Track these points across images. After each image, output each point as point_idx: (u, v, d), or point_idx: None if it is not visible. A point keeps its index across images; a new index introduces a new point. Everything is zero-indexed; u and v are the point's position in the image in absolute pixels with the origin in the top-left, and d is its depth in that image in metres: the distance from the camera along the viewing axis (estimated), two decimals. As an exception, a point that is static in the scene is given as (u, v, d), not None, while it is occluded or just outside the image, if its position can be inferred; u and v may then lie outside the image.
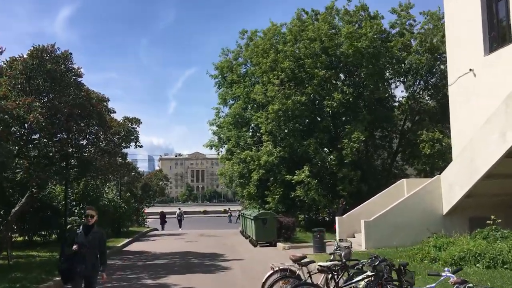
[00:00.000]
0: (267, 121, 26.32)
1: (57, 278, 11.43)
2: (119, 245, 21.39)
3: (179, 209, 47.20)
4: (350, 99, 25.01)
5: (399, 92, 74.24)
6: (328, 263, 7.73)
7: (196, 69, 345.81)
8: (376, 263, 6.37)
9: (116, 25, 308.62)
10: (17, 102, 12.20)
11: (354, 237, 19.62)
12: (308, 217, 27.00)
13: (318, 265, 7.43)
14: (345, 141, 24.39)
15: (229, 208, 62.81)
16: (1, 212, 18.54)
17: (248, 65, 30.85)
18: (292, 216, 24.92)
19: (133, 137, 16.75)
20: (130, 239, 24.87)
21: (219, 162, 33.55)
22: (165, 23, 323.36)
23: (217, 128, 32.78)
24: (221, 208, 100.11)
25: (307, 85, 25.67)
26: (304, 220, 26.24)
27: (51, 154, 13.83)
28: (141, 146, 17.50)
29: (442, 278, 5.52)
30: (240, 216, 28.68)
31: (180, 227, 41.81)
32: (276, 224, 21.11)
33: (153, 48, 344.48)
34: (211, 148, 32.83)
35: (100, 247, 7.59)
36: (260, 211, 22.12)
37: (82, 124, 14.28)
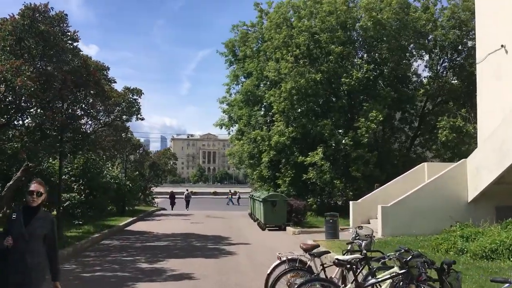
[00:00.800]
0: (280, 99, 24.98)
1: None
2: (121, 224, 20.44)
3: (187, 190, 46.33)
4: (371, 76, 23.47)
5: (421, 71, 71.52)
6: (348, 257, 6.45)
7: (209, 50, 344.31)
8: (407, 258, 5.11)
9: (131, 4, 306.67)
10: (3, 65, 11.04)
11: (369, 223, 18.35)
12: (320, 201, 25.77)
13: (336, 259, 6.17)
14: (361, 120, 22.97)
15: (229, 190, 61.85)
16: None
17: (260, 42, 29.34)
18: (304, 200, 23.79)
19: (134, 109, 15.54)
20: (134, 218, 23.96)
21: (229, 142, 32.34)
22: (180, 3, 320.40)
23: (227, 106, 31.52)
24: (232, 190, 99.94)
25: (322, 62, 24.18)
26: (316, 204, 25.01)
27: (43, 125, 12.71)
28: (142, 119, 16.33)
29: (506, 286, 4.23)
30: (250, 199, 27.57)
31: (187, 207, 41.02)
32: (286, 207, 19.94)
33: (167, 28, 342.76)
34: (221, 128, 31.63)
35: (50, 242, 4.64)
36: (270, 193, 20.94)
37: (77, 93, 13.07)
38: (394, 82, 25.98)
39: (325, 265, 6.64)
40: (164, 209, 38.81)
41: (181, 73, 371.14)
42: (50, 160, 19.60)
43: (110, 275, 9.71)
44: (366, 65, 23.19)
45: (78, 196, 17.77)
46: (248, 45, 29.23)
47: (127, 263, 11.11)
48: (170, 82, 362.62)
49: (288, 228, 19.46)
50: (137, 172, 35.00)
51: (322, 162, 23.17)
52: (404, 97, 25.79)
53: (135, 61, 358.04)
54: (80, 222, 17.86)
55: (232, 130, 31.88)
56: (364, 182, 23.30)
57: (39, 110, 12.19)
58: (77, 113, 13.41)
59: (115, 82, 16.40)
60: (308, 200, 24.23)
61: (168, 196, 51.16)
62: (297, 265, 6.81)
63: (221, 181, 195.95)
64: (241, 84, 30.56)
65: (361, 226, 7.57)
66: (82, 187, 17.97)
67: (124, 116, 15.85)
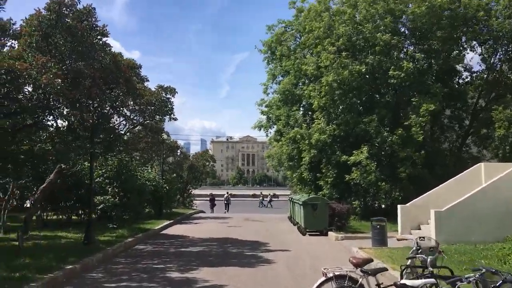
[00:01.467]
0: (320, 95, 23.75)
1: (68, 267, 9.82)
2: (157, 227, 19.84)
3: (227, 192, 45.70)
4: (421, 68, 21.85)
5: (474, 64, 67.35)
6: (419, 282, 5.08)
7: (247, 53, 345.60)
8: (497, 284, 3.90)
9: (170, 11, 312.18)
10: (28, 62, 10.52)
11: (420, 229, 16.89)
12: (364, 204, 24.31)
13: (401, 285, 4.95)
14: (412, 117, 21.39)
15: (260, 192, 60.66)
16: (34, 189, 17.49)
17: (298, 40, 28.20)
18: (346, 202, 22.47)
19: (167, 109, 14.82)
20: (171, 221, 23.39)
21: (268, 144, 31.36)
22: (217, 8, 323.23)
23: (265, 108, 30.55)
24: (270, 192, 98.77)
25: (367, 55, 22.75)
26: (359, 207, 23.57)
27: (72, 125, 12.16)
28: (175, 119, 15.60)
29: None
30: (289, 202, 26.47)
31: (227, 210, 40.38)
32: (328, 211, 18.70)
33: (205, 33, 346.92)
34: (260, 129, 30.67)
35: None
36: (310, 196, 19.77)
37: (107, 91, 12.44)
38: (444, 76, 24.21)
39: (382, 286, 5.47)
40: (203, 211, 38.29)
41: (219, 76, 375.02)
42: (85, 163, 19.35)
43: (135, 286, 8.90)
44: (418, 54, 21.44)
45: (112, 199, 17.29)
46: (284, 44, 28.13)
47: (157, 272, 10.29)
48: (209, 86, 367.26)
49: (330, 233, 18.23)
50: (174, 174, 34.63)
51: (367, 162, 21.74)
52: (455, 93, 23.97)
53: (175, 66, 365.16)
54: (115, 226, 17.35)
55: (270, 132, 30.92)
56: (412, 184, 21.70)
57: (67, 110, 11.61)
58: (107, 112, 12.76)
59: (148, 80, 15.84)
60: (353, 203, 22.85)
61: (208, 199, 50.96)
62: (346, 283, 5.69)
63: (260, 183, 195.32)
64: (278, 83, 29.50)
65: (423, 237, 6.30)
66: (116, 190, 17.49)
67: (157, 116, 15.14)
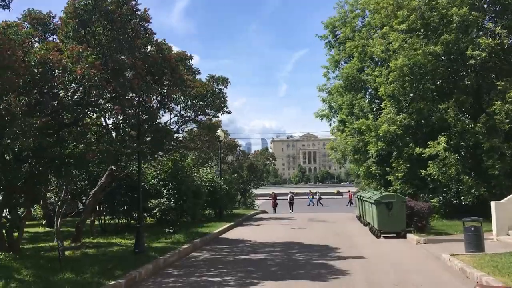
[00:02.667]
0: (388, 81, 21.38)
1: (111, 283, 8.56)
2: (216, 231, 18.54)
3: (290, 192, 43.97)
4: (505, 45, 18.91)
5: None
6: None
7: (305, 51, 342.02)
8: None
9: (227, 12, 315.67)
10: (62, 52, 9.45)
11: (520, 229, 14.23)
12: (444, 201, 21.62)
13: None
14: (497, 103, 18.53)
15: (310, 191, 57.30)
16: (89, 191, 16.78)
17: (366, 17, 25.85)
18: (421, 199, 20.02)
19: (219, 101, 13.35)
20: (231, 223, 22.06)
21: (330, 134, 29.22)
22: (273, 6, 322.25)
23: (327, 94, 28.46)
24: (334, 190, 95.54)
25: (441, 33, 20.08)
26: (439, 205, 20.94)
27: (117, 122, 11.03)
28: (229, 112, 14.13)
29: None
30: (357, 199, 24.28)
31: (291, 209, 38.73)
32: (405, 210, 16.43)
33: (262, 32, 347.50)
34: (321, 119, 28.59)
35: None
36: (383, 194, 17.53)
37: (152, 82, 11.16)
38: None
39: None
40: (265, 211, 36.88)
41: (278, 75, 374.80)
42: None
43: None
44: (499, 29, 18.47)
45: (168, 202, 16.18)
46: (349, 25, 25.89)
47: (211, 287, 8.82)
48: (268, 85, 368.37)
49: (408, 235, 15.95)
50: (235, 174, 33.43)
51: (446, 154, 19.11)
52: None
53: (235, 67, 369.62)
54: (171, 230, 16.23)
55: (333, 121, 28.77)
56: (502, 178, 18.80)
57: (107, 105, 10.46)
58: (149, 104, 11.48)
59: (199, 73, 14.51)
60: (432, 200, 20.28)
61: (269, 198, 49.63)
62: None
63: (323, 181, 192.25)
64: (340, 70, 27.33)
65: None
66: (171, 192, 16.37)
67: (208, 110, 13.73)
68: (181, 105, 13.62)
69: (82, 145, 10.80)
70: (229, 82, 14.14)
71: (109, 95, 10.49)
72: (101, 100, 10.32)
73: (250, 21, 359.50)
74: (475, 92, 20.82)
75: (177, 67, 11.78)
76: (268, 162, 40.57)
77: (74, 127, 10.53)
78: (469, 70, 20.55)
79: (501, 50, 19.51)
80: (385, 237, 16.47)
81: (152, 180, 17.07)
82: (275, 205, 38.65)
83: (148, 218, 19.84)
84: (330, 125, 29.38)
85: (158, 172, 16.93)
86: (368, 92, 26.07)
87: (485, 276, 8.46)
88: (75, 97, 10.49)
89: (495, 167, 18.45)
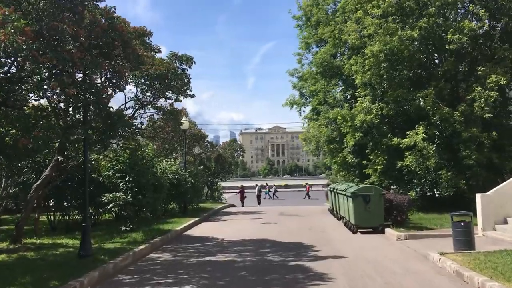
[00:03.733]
0: (363, 69, 20.24)
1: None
2: (180, 227, 16.94)
3: (257, 185, 42.53)
4: (484, 27, 18.05)
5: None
6: None
7: (273, 44, 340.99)
8: None
9: (195, 3, 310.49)
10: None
11: (507, 223, 13.33)
12: (421, 194, 20.78)
13: None
14: (476, 89, 17.67)
15: (266, 184, 55.06)
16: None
17: (337, 3, 24.62)
18: (398, 193, 19.12)
19: (181, 82, 11.71)
20: (196, 219, 20.50)
21: (301, 123, 27.95)
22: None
23: (298, 80, 27.15)
24: (302, 182, 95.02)
25: (418, 18, 19.04)
26: (415, 198, 20.05)
27: (54, 103, 9.26)
28: (192, 96, 12.53)
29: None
30: (330, 192, 23.17)
31: (259, 203, 37.49)
32: (384, 204, 15.34)
33: (231, 24, 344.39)
34: (291, 107, 27.33)
35: None
36: (360, 186, 16.39)
37: (98, 56, 9.40)
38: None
39: None
40: (233, 205, 35.47)
41: (246, 67, 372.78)
42: (95, 155, 16.63)
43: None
44: (482, 11, 17.51)
45: (124, 196, 14.45)
46: (322, 7, 24.61)
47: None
48: (236, 78, 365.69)
49: (387, 230, 14.88)
50: (201, 166, 31.76)
51: (425, 144, 18.15)
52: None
53: (204, 59, 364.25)
54: (128, 228, 14.55)
55: (303, 111, 27.54)
56: (481, 169, 18.00)
57: (46, 83, 8.64)
58: (99, 85, 9.72)
59: (160, 51, 12.74)
60: (409, 193, 19.38)
61: (237, 191, 48.12)
62: None
63: (291, 174, 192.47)
64: (313, 54, 26.07)
65: None
66: (128, 185, 14.64)
67: (169, 94, 12.07)
68: (139, 87, 11.91)
69: (13, 130, 8.97)
70: (194, 61, 12.55)
71: (46, 71, 8.69)
72: (37, 77, 8.50)
73: (219, 13, 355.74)
74: (453, 78, 19.96)
75: (130, 40, 10.08)
76: (236, 153, 39.05)
77: (2, 107, 8.69)
78: (447, 56, 19.60)
79: (482, 36, 18.68)
80: (362, 232, 15.35)
81: (107, 172, 15.27)
82: (243, 198, 37.18)
83: (105, 214, 18.08)
84: (300, 114, 28.19)
85: (114, 163, 15.13)
86: (342, 79, 24.90)
87: (489, 281, 7.30)
88: (1, 71, 8.68)
89: (471, 157, 17.61)
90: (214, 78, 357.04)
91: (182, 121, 23.72)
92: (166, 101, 13.25)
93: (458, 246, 10.65)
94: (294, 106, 28.02)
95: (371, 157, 20.74)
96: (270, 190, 51.32)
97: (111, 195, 14.36)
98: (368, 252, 11.54)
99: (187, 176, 23.25)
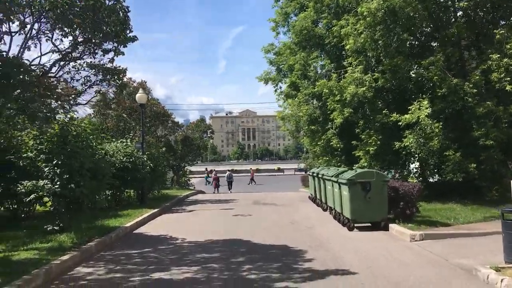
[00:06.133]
0: (356, 32, 17.00)
1: None
2: (130, 223, 13.39)
3: (228, 170, 38.97)
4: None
5: None
6: None
7: (243, 27, 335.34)
8: None
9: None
10: None
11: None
12: (423, 180, 17.94)
13: None
14: (493, 57, 14.72)
15: (205, 168, 50.19)
16: None
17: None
18: (397, 179, 16.22)
19: (116, 19, 8.08)
20: (155, 210, 16.98)
21: (276, 99, 24.65)
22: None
23: (275, 56, 23.79)
24: (274, 167, 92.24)
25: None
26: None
27: None
28: (134, 39, 8.95)
29: None
30: (312, 177, 20.03)
31: (230, 189, 34.25)
32: (388, 193, 12.24)
33: (199, 7, 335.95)
34: (266, 83, 24.00)
35: None
36: (358, 171, 13.17)
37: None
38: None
39: None
40: (202, 191, 32.02)
41: (216, 51, 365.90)
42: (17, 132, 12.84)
43: None
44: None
45: (50, 185, 10.77)
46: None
47: None
48: (206, 62, 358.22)
49: (393, 227, 11.81)
50: (164, 149, 27.98)
51: (429, 121, 15.14)
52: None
53: (171, 42, 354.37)
54: (56, 228, 10.91)
55: (280, 87, 24.23)
56: (496, 150, 15.19)
57: None
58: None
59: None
60: (409, 180, 16.45)
61: (204, 176, 44.20)
62: None
63: (262, 158, 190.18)
64: (291, 27, 22.67)
65: None
66: (57, 170, 10.94)
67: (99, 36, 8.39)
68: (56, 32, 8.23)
69: None
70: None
71: None
72: None
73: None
74: (460, 44, 16.96)
75: None
76: (205, 135, 35.34)
77: None
78: (457, 16, 16.55)
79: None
80: (360, 229, 12.28)
81: (29, 153, 11.47)
82: (217, 185, 33.87)
83: (39, 207, 14.35)
84: (275, 91, 24.87)
85: (38, 141, 11.35)
86: (325, 50, 21.58)
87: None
88: None
89: (488, 136, 14.74)
90: (183, 62, 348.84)
91: (139, 93, 20.03)
92: (97, 48, 9.57)
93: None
94: (269, 82, 24.77)
95: (363, 136, 17.68)
96: (210, 175, 45.42)
97: (30, 183, 10.62)
98: (382, 262, 8.36)
99: (145, 159, 19.58)
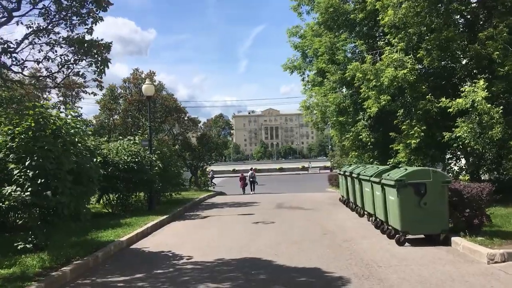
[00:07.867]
0: (394, 5, 14.31)
1: None
2: (128, 236, 11.09)
3: (251, 169, 36.49)
4: None
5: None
6: None
7: (265, 26, 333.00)
8: None
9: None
10: None
11: None
12: (477, 178, 15.10)
13: None
14: None
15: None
16: None
17: None
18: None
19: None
20: (164, 217, 14.69)
21: (303, 91, 21.86)
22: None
23: (300, 40, 21.22)
24: (298, 165, 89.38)
25: None
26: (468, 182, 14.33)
27: None
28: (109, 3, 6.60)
29: None
30: (342, 177, 17.42)
31: (253, 190, 31.96)
32: (448, 197, 9.56)
33: (220, 7, 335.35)
34: (291, 72, 21.43)
35: None
36: (408, 170, 10.44)
37: None
38: None
39: None
40: (223, 193, 29.75)
41: (238, 50, 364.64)
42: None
43: None
44: None
45: (20, 191, 8.52)
46: None
47: None
48: (228, 61, 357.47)
49: (456, 240, 9.12)
50: (176, 146, 25.66)
51: (487, 106, 12.33)
52: None
53: (194, 42, 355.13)
54: (28, 246, 8.66)
55: (307, 75, 21.61)
56: None
57: None
58: None
59: None
60: (461, 177, 13.69)
61: (223, 176, 42.35)
62: None
63: (285, 157, 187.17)
64: (315, 5, 19.99)
65: None
66: (28, 174, 8.66)
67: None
68: None
69: None
70: None
71: None
72: None
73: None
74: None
75: None
76: (223, 132, 32.88)
77: None
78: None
79: None
80: (410, 242, 9.63)
81: (-4, 153, 9.24)
82: (244, 185, 32.02)
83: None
84: (303, 79, 22.25)
85: (8, 138, 9.14)
86: (355, 31, 18.87)
87: None
88: None
89: None
90: (205, 62, 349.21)
91: (146, 84, 17.81)
92: (79, 23, 7.29)
93: None
94: (295, 72, 22.21)
95: (404, 127, 14.93)
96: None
97: (-6, 190, 8.39)
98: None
99: (153, 159, 17.33)
